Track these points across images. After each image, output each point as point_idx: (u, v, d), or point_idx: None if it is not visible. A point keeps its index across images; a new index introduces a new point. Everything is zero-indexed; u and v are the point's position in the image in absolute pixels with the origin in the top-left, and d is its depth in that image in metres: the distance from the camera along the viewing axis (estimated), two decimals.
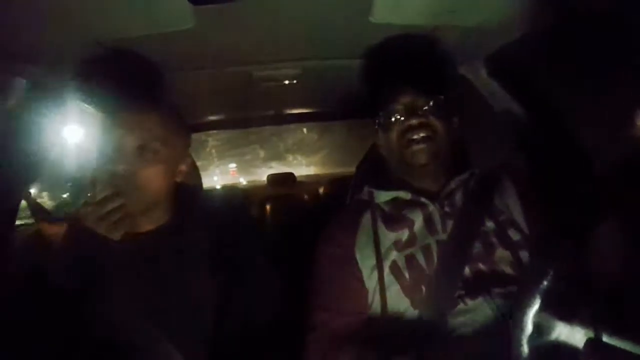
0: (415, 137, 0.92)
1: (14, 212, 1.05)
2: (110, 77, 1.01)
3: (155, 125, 0.87)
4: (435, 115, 0.93)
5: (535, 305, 0.52)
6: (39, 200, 1.19)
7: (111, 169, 0.82)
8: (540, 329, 0.52)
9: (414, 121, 0.92)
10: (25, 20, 0.78)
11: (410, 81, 0.94)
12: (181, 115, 0.97)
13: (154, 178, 0.86)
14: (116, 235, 0.80)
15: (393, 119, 0.95)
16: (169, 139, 0.88)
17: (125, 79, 1.00)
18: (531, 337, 0.52)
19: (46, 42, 0.86)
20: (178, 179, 0.94)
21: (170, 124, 0.90)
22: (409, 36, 0.98)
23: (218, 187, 2.97)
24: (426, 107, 0.93)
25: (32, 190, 1.17)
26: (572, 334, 0.52)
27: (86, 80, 1.04)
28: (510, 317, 0.58)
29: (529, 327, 0.52)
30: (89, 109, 1.08)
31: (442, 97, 0.95)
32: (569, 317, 0.52)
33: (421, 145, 0.92)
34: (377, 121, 0.99)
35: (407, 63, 0.98)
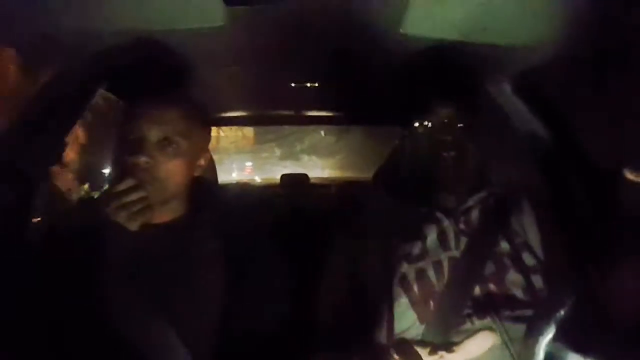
0: (446, 154, 0.92)
1: (31, 198, 1.08)
2: (138, 68, 1.02)
3: (179, 119, 0.87)
4: (469, 133, 0.93)
5: (549, 334, 0.51)
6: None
7: (132, 161, 0.83)
8: (551, 358, 0.51)
9: (448, 137, 0.92)
10: (59, 7, 0.79)
11: (452, 97, 0.94)
12: (204, 110, 0.98)
13: (174, 171, 0.86)
14: (134, 226, 0.81)
15: (428, 132, 0.94)
16: (191, 133, 0.89)
17: (153, 71, 1.02)
18: None
19: (80, 30, 0.88)
20: (196, 174, 0.95)
21: (193, 118, 0.91)
22: (436, 51, 0.97)
23: (233, 182, 2.99)
24: (462, 125, 0.93)
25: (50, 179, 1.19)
26: None
27: (115, 70, 1.06)
28: (520, 340, 0.57)
29: (539, 355, 0.51)
30: (115, 99, 1.10)
31: (476, 116, 0.94)
32: (583, 350, 0.51)
33: (451, 162, 0.92)
34: (408, 130, 0.99)
35: (449, 77, 0.97)
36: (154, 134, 0.85)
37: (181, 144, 0.86)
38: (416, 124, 0.96)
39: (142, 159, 0.82)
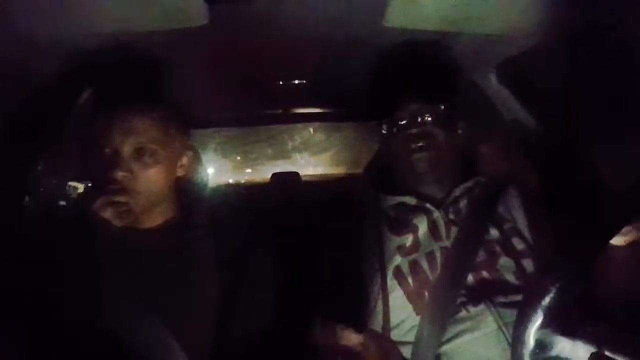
0: (415, 145, 0.93)
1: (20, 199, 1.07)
2: (119, 72, 1.01)
3: (152, 127, 0.86)
4: (438, 124, 0.94)
5: (537, 321, 0.52)
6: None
7: (110, 175, 0.81)
8: (542, 344, 0.52)
9: (414, 130, 0.94)
10: (39, 11, 0.78)
11: (416, 90, 0.96)
12: (181, 112, 0.96)
13: (154, 180, 0.86)
14: (119, 223, 0.81)
15: (396, 127, 0.96)
16: (166, 139, 0.87)
17: (134, 73, 1.01)
18: (532, 353, 0.52)
19: (60, 33, 0.87)
20: (180, 174, 0.93)
21: (168, 123, 0.89)
22: (418, 43, 0.98)
23: (223, 184, 2.97)
24: (429, 116, 0.95)
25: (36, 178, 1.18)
26: (575, 350, 0.52)
27: (97, 74, 1.04)
28: (513, 326, 0.58)
29: (530, 343, 0.52)
30: (91, 106, 1.08)
31: (447, 106, 0.96)
32: (571, 333, 0.52)
33: (421, 154, 0.94)
34: (382, 127, 1.00)
35: (414, 71, 0.99)
36: (128, 145, 0.83)
37: (157, 152, 0.85)
38: (390, 119, 0.97)
39: (119, 174, 0.81)
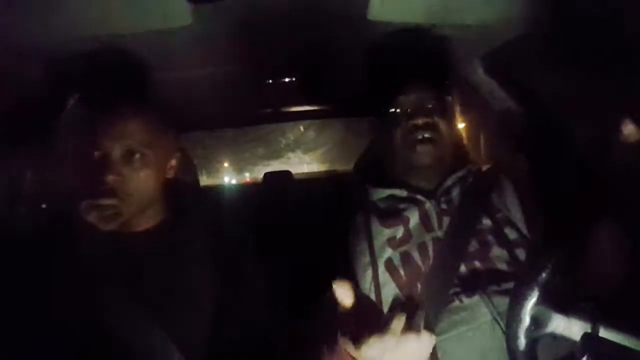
0: (420, 137, 0.92)
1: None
2: (104, 75, 1.00)
3: (141, 129, 0.85)
4: (441, 115, 0.93)
5: (533, 298, 0.52)
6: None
7: (99, 179, 0.80)
8: (537, 321, 0.53)
9: (420, 121, 0.92)
10: (20, 15, 0.77)
11: (418, 80, 0.94)
12: (169, 113, 0.96)
13: (144, 182, 0.85)
14: (105, 227, 0.80)
15: (398, 118, 0.95)
16: (156, 141, 0.87)
17: (119, 77, 1.00)
18: (528, 330, 0.53)
19: (42, 37, 0.86)
20: (169, 176, 0.93)
21: (156, 125, 0.88)
22: (415, 34, 0.97)
23: (216, 185, 2.96)
24: (432, 107, 0.93)
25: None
26: (569, 327, 0.53)
27: (81, 78, 1.03)
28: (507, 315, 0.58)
29: (526, 320, 0.52)
30: (77, 111, 1.07)
31: (449, 96, 0.95)
32: (566, 310, 0.53)
33: (426, 146, 0.92)
34: (380, 118, 0.99)
35: (415, 61, 0.97)
36: (117, 149, 0.82)
37: (147, 154, 0.84)
38: (391, 110, 0.96)
39: (110, 177, 0.80)
